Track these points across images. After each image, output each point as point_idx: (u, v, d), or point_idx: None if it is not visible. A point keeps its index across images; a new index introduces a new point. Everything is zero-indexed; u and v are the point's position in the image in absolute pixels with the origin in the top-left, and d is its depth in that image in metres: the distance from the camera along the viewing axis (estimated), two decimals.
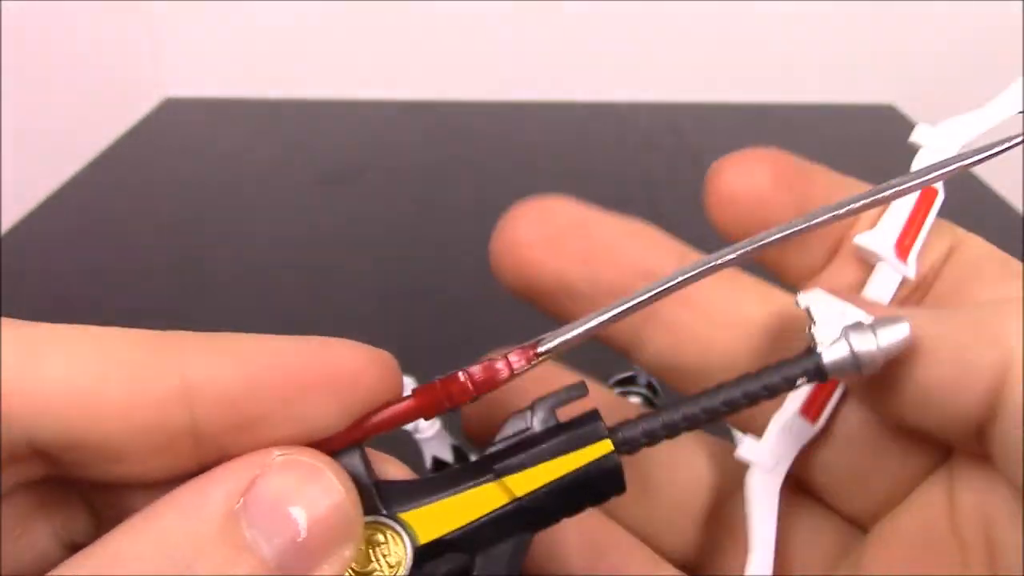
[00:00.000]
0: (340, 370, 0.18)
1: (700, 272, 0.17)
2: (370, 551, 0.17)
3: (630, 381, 0.36)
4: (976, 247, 0.24)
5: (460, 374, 0.18)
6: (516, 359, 0.18)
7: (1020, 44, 0.99)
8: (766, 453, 0.19)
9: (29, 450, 0.16)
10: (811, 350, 0.16)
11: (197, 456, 0.16)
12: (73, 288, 0.62)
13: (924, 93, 1.00)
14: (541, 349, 0.18)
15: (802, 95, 1.00)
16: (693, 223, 0.81)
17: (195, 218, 0.73)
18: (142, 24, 0.98)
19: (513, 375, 0.18)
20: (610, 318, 0.17)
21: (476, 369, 0.18)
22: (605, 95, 1.00)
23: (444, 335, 0.56)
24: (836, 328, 0.16)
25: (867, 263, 0.21)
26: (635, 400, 0.35)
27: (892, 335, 0.15)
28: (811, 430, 0.19)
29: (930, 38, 1.00)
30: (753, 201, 0.21)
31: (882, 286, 0.20)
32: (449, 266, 0.64)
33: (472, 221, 0.73)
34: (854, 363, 0.15)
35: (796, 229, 0.17)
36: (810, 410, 0.19)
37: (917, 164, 0.21)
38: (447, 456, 0.33)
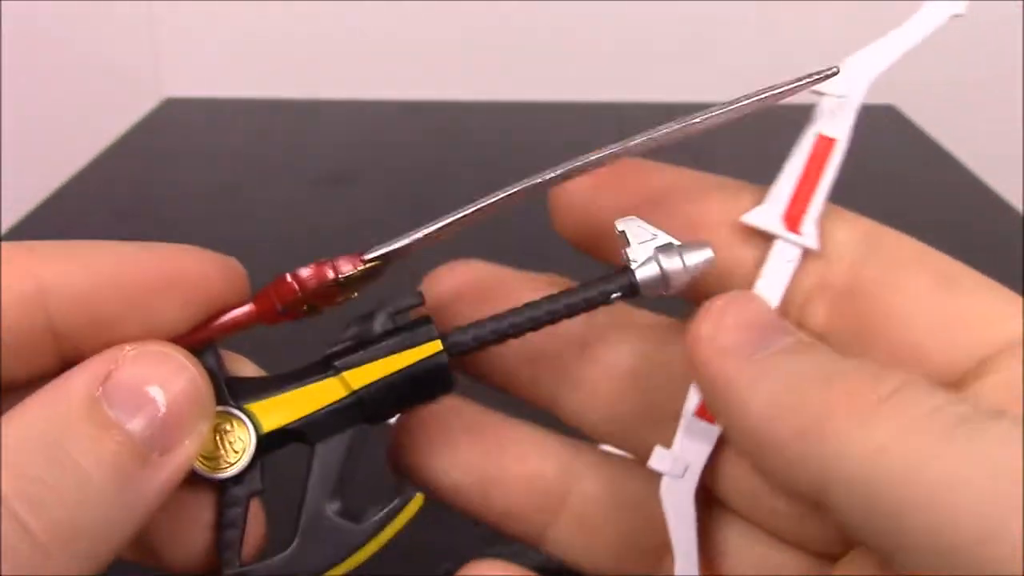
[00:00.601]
0: (186, 274, 0.19)
1: (517, 192, 0.18)
2: (217, 438, 0.18)
3: None
4: (901, 246, 0.22)
5: (287, 275, 0.19)
6: (344, 263, 0.19)
7: (1020, 44, 0.99)
8: (671, 461, 0.19)
9: None
10: (625, 268, 0.17)
11: (59, 357, 0.17)
12: None
13: (924, 93, 1.00)
14: (368, 256, 0.19)
15: (802, 95, 1.00)
16: None
17: (195, 218, 0.73)
18: (142, 24, 0.98)
19: (339, 277, 0.19)
20: (436, 229, 0.19)
21: (304, 270, 0.19)
22: (605, 95, 1.00)
23: None
24: (648, 249, 0.17)
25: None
26: None
27: (696, 257, 0.17)
28: (714, 431, 0.19)
29: (930, 38, 1.00)
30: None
31: (781, 264, 0.19)
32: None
33: (472, 221, 0.73)
34: (663, 280, 0.17)
35: (611, 151, 0.18)
36: (705, 411, 0.19)
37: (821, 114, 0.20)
38: None
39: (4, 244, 0.18)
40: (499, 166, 0.83)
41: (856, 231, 0.19)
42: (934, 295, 0.18)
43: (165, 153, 0.88)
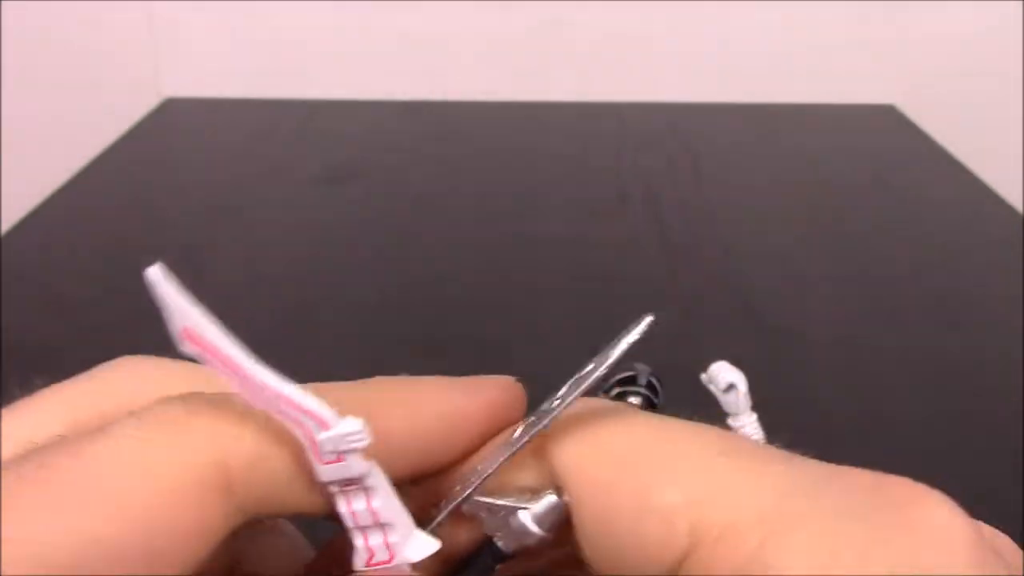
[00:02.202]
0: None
1: None
2: None
3: (630, 381, 0.36)
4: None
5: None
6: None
7: (1020, 44, 0.99)
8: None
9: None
10: (490, 541, 0.18)
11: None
12: (73, 288, 0.62)
13: (924, 93, 1.00)
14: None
15: (802, 95, 1.00)
16: (692, 223, 0.81)
17: (195, 218, 0.73)
18: (142, 24, 0.98)
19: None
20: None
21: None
22: (605, 95, 1.00)
23: (444, 334, 0.56)
24: (503, 519, 0.17)
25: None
26: (635, 400, 0.35)
27: (541, 509, 0.17)
28: None
29: (930, 38, 1.00)
30: None
31: None
32: (449, 265, 0.64)
33: (472, 221, 0.73)
34: (520, 543, 0.17)
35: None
36: None
37: None
38: None
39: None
40: (499, 166, 0.83)
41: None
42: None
43: (165, 153, 0.88)
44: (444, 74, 1.00)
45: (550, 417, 0.17)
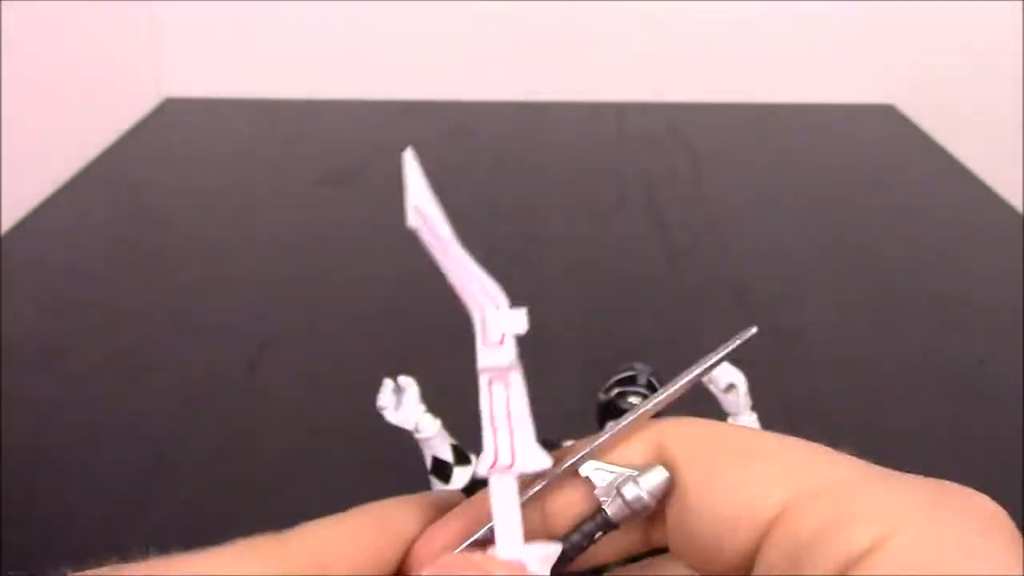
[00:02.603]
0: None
1: None
2: None
3: (630, 381, 0.36)
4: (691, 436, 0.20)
5: None
6: None
7: (1020, 44, 0.99)
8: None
9: None
10: (599, 508, 0.20)
11: None
12: (73, 288, 0.62)
13: (924, 93, 1.00)
14: None
15: (802, 95, 1.00)
16: (692, 223, 0.81)
17: (195, 218, 0.73)
18: (142, 24, 0.98)
19: None
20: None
21: None
22: (605, 95, 1.00)
23: (443, 334, 0.56)
24: (612, 487, 0.19)
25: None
26: (634, 400, 0.35)
27: (652, 480, 0.19)
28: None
29: (930, 38, 1.00)
30: None
31: (505, 498, 0.19)
32: None
33: (472, 221, 0.73)
34: (630, 509, 0.19)
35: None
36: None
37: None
38: (447, 456, 0.33)
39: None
40: (499, 166, 0.83)
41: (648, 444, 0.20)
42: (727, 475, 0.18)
43: (165, 153, 0.88)
44: (444, 74, 1.00)
45: (655, 400, 0.20)
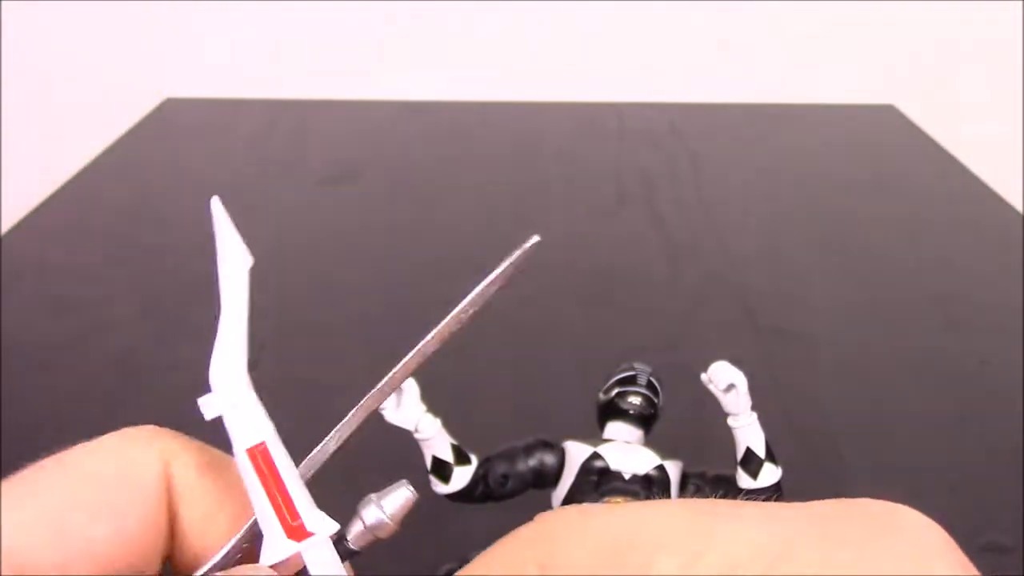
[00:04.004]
0: None
1: None
2: None
3: (630, 381, 0.36)
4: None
5: None
6: None
7: (1020, 44, 0.99)
8: None
9: None
10: (340, 537, 0.19)
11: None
12: (73, 288, 0.62)
13: (924, 93, 1.00)
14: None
15: (802, 95, 1.00)
16: (692, 223, 0.81)
17: (195, 218, 0.73)
18: (142, 24, 0.98)
19: None
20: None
21: None
22: (605, 95, 1.00)
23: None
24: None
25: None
26: (636, 400, 0.35)
27: (396, 500, 0.18)
28: None
29: (930, 38, 1.00)
30: None
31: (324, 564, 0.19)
32: (449, 265, 0.64)
33: (472, 221, 0.73)
34: (370, 532, 0.18)
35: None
36: None
37: None
38: (447, 456, 0.33)
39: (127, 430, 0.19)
40: (499, 166, 0.83)
41: None
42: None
43: (165, 153, 0.88)
44: (444, 74, 1.00)
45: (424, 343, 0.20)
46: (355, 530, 0.18)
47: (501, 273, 0.20)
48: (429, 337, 0.20)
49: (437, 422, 0.33)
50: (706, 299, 0.61)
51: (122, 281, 0.63)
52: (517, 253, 0.20)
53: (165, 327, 0.57)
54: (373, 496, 0.19)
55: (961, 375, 0.53)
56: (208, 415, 0.18)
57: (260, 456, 0.18)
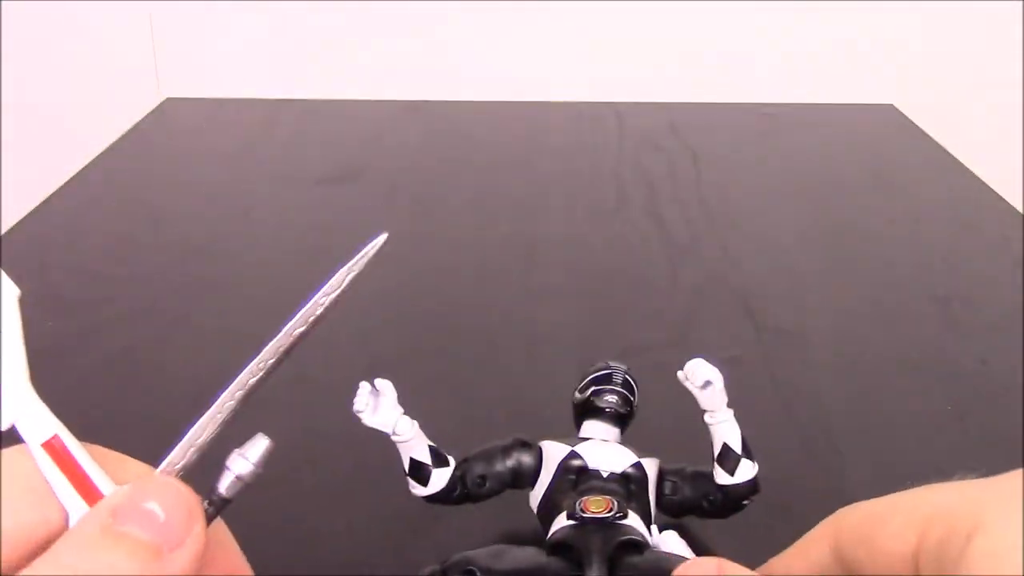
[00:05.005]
0: None
1: None
2: None
3: (605, 379, 0.36)
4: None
5: None
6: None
7: (1020, 44, 0.99)
8: None
9: None
10: (212, 490, 0.22)
11: None
12: (73, 288, 0.62)
13: (924, 93, 1.00)
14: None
15: (802, 95, 1.00)
16: (692, 223, 0.81)
17: (195, 218, 0.73)
18: (142, 24, 0.98)
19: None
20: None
21: None
22: (605, 95, 1.00)
23: (443, 334, 0.56)
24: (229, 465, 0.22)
25: None
26: (611, 399, 0.35)
27: (256, 450, 0.22)
28: None
29: (930, 38, 1.00)
30: None
31: None
32: (449, 265, 0.64)
33: (472, 221, 0.73)
34: (239, 481, 0.22)
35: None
36: None
37: None
38: (425, 458, 0.33)
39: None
40: (499, 166, 0.83)
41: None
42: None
43: (165, 153, 0.88)
44: (444, 74, 1.00)
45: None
46: (227, 481, 0.21)
47: (347, 274, 0.24)
48: (289, 326, 0.24)
49: (415, 424, 0.33)
50: (706, 299, 0.61)
51: (122, 280, 0.63)
52: (364, 252, 0.24)
53: (165, 327, 0.57)
54: (236, 450, 0.22)
55: (961, 374, 0.53)
56: (3, 427, 0.21)
57: (56, 446, 0.21)
